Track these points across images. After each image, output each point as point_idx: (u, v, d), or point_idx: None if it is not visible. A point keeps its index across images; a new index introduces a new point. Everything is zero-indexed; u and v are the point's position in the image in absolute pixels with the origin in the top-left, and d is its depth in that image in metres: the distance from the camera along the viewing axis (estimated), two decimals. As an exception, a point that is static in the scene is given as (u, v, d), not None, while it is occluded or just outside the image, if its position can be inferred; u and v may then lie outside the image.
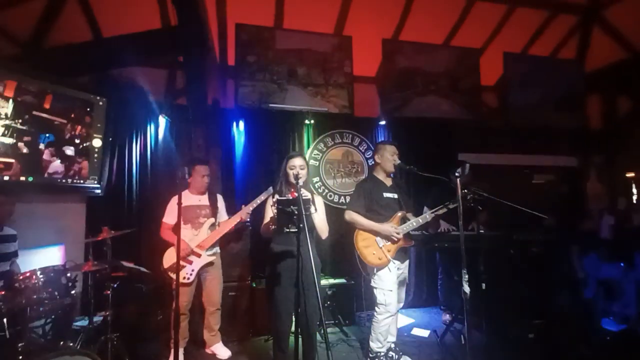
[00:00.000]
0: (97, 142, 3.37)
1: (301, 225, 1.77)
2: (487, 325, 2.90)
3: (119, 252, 2.66)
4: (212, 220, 2.84)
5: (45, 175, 3.04)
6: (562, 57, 5.32)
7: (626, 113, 5.42)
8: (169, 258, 2.69)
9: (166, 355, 2.74)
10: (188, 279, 2.67)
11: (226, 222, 2.82)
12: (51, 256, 3.10)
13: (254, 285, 3.35)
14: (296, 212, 1.77)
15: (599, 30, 5.04)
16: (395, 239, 2.52)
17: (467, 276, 1.86)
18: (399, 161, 2.63)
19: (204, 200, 2.88)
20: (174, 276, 2.61)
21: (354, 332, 3.37)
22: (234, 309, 3.19)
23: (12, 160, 2.83)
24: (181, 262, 2.60)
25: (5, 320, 1.76)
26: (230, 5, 4.22)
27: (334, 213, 3.67)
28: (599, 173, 5.21)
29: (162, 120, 3.85)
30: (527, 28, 5.10)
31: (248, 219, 2.76)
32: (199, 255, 2.73)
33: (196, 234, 2.76)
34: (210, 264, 2.80)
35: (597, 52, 5.17)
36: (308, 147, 4.15)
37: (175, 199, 2.74)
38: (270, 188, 2.62)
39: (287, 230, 1.80)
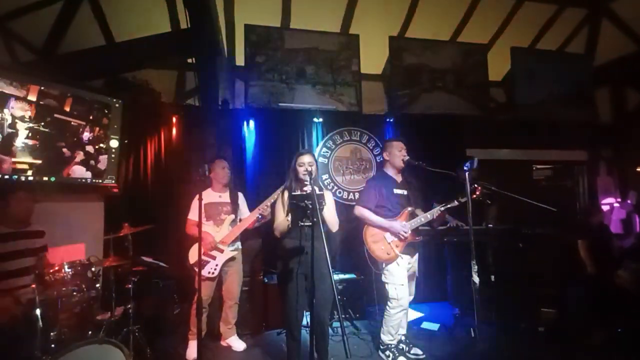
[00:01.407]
0: (114, 143, 3.48)
1: (315, 219, 1.84)
2: (496, 319, 2.94)
3: (137, 248, 2.75)
4: (233, 216, 2.91)
5: (66, 175, 3.17)
6: (571, 51, 5.29)
7: (635, 106, 5.38)
8: (194, 254, 2.76)
9: (183, 348, 2.85)
10: (212, 273, 2.75)
11: (246, 218, 2.90)
12: (73, 253, 3.22)
13: (266, 280, 3.44)
14: (310, 207, 1.84)
15: (607, 23, 5.00)
16: (403, 237, 2.57)
17: (476, 267, 1.92)
18: (407, 157, 2.68)
19: (225, 197, 2.97)
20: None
21: (365, 326, 3.43)
22: (247, 303, 3.27)
23: (35, 161, 2.96)
24: (205, 258, 2.71)
25: (38, 310, 1.87)
26: (238, 6, 4.30)
27: (343, 209, 3.73)
28: (609, 167, 5.18)
29: (175, 121, 3.95)
30: (535, 22, 5.08)
31: (267, 214, 2.80)
32: (221, 251, 2.81)
33: (218, 230, 2.84)
34: (232, 258, 2.88)
35: (606, 45, 5.13)
36: (317, 145, 4.21)
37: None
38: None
39: (302, 224, 1.87)
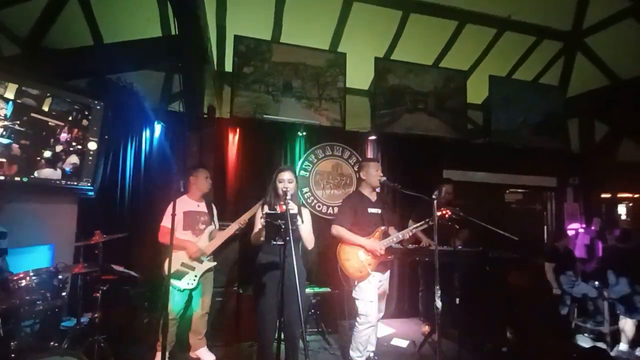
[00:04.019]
0: (92, 145, 3.42)
1: (287, 238, 1.88)
2: (462, 338, 3.03)
3: (109, 255, 2.69)
4: (212, 227, 2.91)
5: (40, 176, 3.09)
6: (546, 82, 5.59)
7: (602, 137, 5.71)
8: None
9: (151, 358, 2.80)
10: (191, 284, 2.71)
11: (227, 229, 2.89)
12: (41, 256, 3.13)
13: (241, 291, 3.43)
14: (283, 226, 1.88)
15: (581, 57, 5.31)
16: (378, 254, 2.65)
17: (439, 292, 2.00)
18: (384, 178, 2.76)
19: (203, 206, 2.95)
20: (173, 282, 2.65)
21: (336, 340, 3.46)
22: (220, 314, 3.25)
23: (8, 160, 2.88)
24: (184, 269, 2.68)
25: (-1, 319, 1.82)
26: (230, 16, 4.36)
27: (322, 223, 3.79)
28: (576, 193, 5.45)
29: (158, 126, 3.92)
30: (513, 52, 5.36)
31: (244, 226, 2.83)
32: (201, 262, 2.79)
33: (197, 240, 2.80)
34: (210, 269, 2.87)
35: (578, 78, 5.45)
36: (299, 158, 4.26)
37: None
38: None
39: (274, 242, 1.91)
